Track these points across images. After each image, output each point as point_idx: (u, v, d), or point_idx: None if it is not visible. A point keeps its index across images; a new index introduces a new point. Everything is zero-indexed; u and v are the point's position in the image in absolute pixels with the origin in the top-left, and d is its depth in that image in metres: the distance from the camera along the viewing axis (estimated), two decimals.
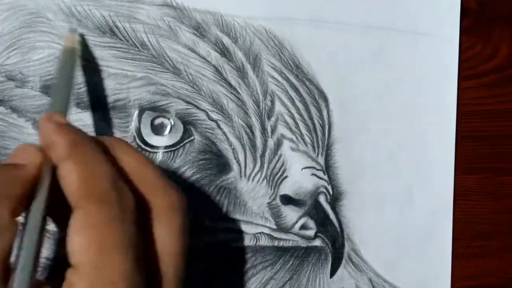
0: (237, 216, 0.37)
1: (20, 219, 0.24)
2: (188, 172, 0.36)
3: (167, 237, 0.25)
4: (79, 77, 0.34)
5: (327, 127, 0.37)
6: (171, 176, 0.35)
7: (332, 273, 0.38)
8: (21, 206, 0.24)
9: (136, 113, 0.35)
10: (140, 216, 0.25)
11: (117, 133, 0.35)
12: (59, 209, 0.25)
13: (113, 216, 0.23)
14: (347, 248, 0.38)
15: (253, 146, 0.36)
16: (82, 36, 0.33)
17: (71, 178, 0.24)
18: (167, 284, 0.25)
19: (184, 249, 0.26)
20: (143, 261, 0.24)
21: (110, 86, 0.34)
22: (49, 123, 0.26)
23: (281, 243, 0.37)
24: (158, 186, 0.26)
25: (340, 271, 0.38)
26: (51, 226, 0.31)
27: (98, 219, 0.23)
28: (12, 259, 0.23)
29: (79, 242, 0.23)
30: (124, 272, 0.23)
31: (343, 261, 0.38)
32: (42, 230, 0.24)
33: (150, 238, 0.25)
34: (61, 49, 0.33)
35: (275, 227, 0.37)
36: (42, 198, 0.24)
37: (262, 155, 0.36)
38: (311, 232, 0.37)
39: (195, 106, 0.35)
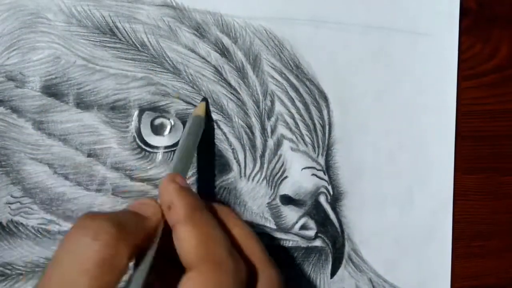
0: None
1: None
2: (188, 172, 0.36)
3: None
4: (80, 78, 0.34)
5: (327, 127, 0.37)
6: None
7: (333, 274, 0.38)
8: (136, 254, 0.25)
9: (136, 113, 0.35)
10: None
11: (117, 133, 0.35)
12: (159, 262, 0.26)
13: (226, 283, 0.24)
14: (347, 248, 0.38)
15: (253, 146, 0.36)
16: (207, 102, 0.35)
17: (189, 241, 0.25)
18: None
19: None
20: None
21: (110, 86, 0.34)
22: (171, 184, 0.27)
23: (281, 243, 0.37)
24: (264, 262, 0.27)
25: (341, 271, 0.38)
26: None
27: (212, 284, 0.24)
28: None
29: None
30: None
31: (344, 261, 0.38)
32: (147, 281, 0.25)
33: None
34: (192, 114, 0.34)
35: (275, 227, 0.37)
36: (153, 250, 0.26)
37: (262, 155, 0.36)
38: (311, 232, 0.37)
39: (195, 106, 0.35)
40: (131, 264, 0.25)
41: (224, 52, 0.36)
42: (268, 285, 0.27)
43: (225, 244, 0.25)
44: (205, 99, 0.35)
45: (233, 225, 0.28)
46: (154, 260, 0.26)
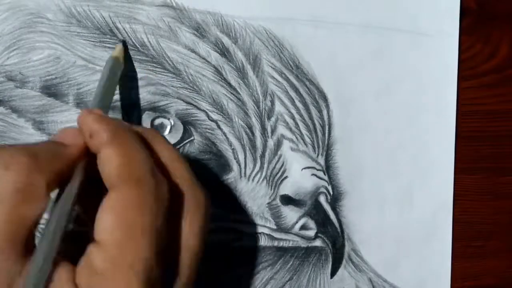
0: (237, 216, 0.37)
1: (52, 195, 0.25)
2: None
3: (189, 234, 0.26)
4: (80, 78, 0.34)
5: (327, 127, 0.37)
6: None
7: (333, 274, 0.38)
8: (56, 183, 0.25)
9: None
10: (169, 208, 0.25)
11: None
12: (86, 194, 0.26)
13: (147, 202, 0.24)
14: (347, 248, 0.38)
15: (253, 146, 0.36)
16: (125, 45, 0.34)
17: (111, 162, 0.25)
18: (181, 280, 0.26)
19: (202, 249, 0.27)
20: (164, 253, 0.24)
21: None
22: (90, 115, 0.26)
23: (281, 244, 0.37)
24: (188, 182, 0.27)
25: (341, 271, 0.38)
26: None
27: (132, 202, 0.24)
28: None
29: (110, 221, 0.23)
30: (145, 258, 0.23)
31: (344, 261, 0.38)
32: (71, 212, 0.25)
33: (172, 231, 0.26)
34: (110, 56, 0.33)
35: (275, 227, 0.37)
36: (77, 180, 0.25)
37: (262, 156, 0.36)
38: (311, 233, 0.37)
39: (195, 106, 0.35)
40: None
41: (224, 52, 0.36)
42: (195, 206, 0.27)
43: (148, 164, 0.25)
44: (122, 41, 0.34)
45: (161, 148, 0.27)
46: (80, 189, 0.25)
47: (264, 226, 0.37)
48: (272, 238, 0.37)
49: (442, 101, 0.40)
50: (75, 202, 0.25)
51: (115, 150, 0.25)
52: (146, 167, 0.25)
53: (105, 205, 0.24)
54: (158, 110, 0.35)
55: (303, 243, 0.37)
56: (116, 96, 0.34)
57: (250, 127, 0.36)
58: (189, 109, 0.35)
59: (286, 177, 0.37)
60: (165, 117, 0.35)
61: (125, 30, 0.34)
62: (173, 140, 0.35)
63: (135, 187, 0.24)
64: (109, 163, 0.25)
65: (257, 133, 0.36)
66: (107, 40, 0.34)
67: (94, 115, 0.26)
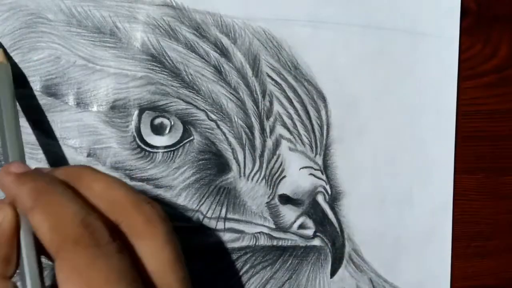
0: (237, 216, 0.37)
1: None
2: (188, 172, 0.36)
3: (154, 250, 0.25)
4: (80, 77, 0.34)
5: (325, 127, 0.37)
6: (171, 176, 0.35)
7: (333, 273, 0.38)
8: (11, 264, 0.24)
9: (136, 112, 0.35)
10: (122, 240, 0.24)
11: (117, 133, 0.35)
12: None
13: (91, 255, 0.23)
14: (347, 248, 0.38)
15: (252, 146, 0.36)
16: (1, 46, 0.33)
17: (42, 229, 0.23)
18: None
19: (177, 254, 0.25)
20: (140, 281, 0.24)
21: (110, 86, 0.34)
22: (7, 176, 0.25)
23: (280, 243, 0.37)
24: (128, 205, 0.25)
25: (341, 271, 0.38)
26: None
27: (78, 264, 0.22)
28: None
29: None
30: None
31: (344, 261, 0.38)
32: (41, 275, 0.24)
33: (140, 258, 0.25)
34: None
35: (274, 226, 0.37)
36: (30, 249, 0.24)
37: (261, 155, 0.37)
38: (309, 232, 0.37)
39: (195, 106, 0.35)
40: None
41: (223, 52, 0.36)
42: (144, 226, 0.25)
43: (77, 217, 0.23)
44: None
45: (93, 182, 0.26)
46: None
47: (263, 225, 0.37)
48: (271, 237, 0.37)
49: (442, 101, 0.40)
50: (40, 265, 0.24)
51: (41, 214, 0.23)
52: (76, 222, 0.23)
53: (58, 277, 0.22)
54: (158, 110, 0.35)
55: (301, 242, 0.38)
56: (116, 96, 0.34)
57: (249, 127, 0.36)
58: (188, 108, 0.35)
59: (284, 177, 0.37)
60: (165, 117, 0.35)
61: (125, 30, 0.34)
62: (172, 139, 0.35)
63: (73, 249, 0.23)
64: (40, 230, 0.23)
65: (256, 133, 0.36)
66: (107, 39, 0.34)
67: (11, 176, 0.25)
